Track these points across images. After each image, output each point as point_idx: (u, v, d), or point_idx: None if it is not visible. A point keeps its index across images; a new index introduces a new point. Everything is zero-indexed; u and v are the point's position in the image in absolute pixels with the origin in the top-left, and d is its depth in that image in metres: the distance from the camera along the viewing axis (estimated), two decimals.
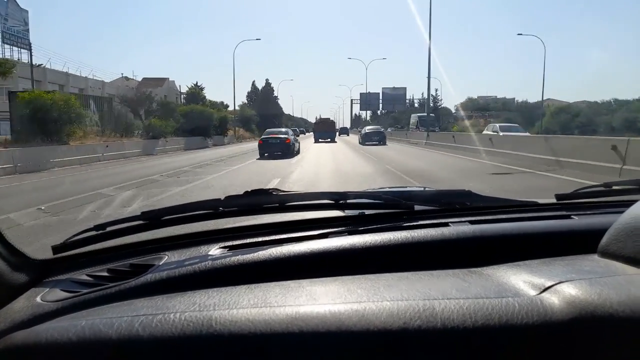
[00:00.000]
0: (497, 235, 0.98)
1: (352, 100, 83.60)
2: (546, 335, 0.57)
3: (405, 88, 77.65)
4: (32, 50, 30.02)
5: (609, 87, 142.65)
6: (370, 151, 22.49)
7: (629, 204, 0.79)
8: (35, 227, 5.61)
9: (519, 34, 44.07)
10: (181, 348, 0.59)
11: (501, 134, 20.90)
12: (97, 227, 1.01)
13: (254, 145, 33.90)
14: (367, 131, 33.86)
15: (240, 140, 45.79)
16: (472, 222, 1.07)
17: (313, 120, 77.90)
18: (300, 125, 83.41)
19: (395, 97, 75.68)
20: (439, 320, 0.58)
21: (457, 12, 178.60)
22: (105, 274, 0.95)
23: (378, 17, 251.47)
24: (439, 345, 0.57)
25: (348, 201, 1.11)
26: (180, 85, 55.87)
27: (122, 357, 0.61)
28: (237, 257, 0.92)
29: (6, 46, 29.67)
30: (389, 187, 1.94)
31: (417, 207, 1.16)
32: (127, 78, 48.44)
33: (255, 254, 0.92)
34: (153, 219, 1.04)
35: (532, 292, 0.63)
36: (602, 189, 1.29)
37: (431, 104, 69.15)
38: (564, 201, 1.26)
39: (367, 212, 1.16)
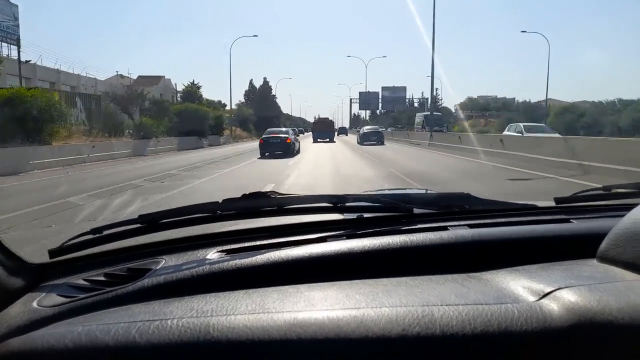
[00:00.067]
0: (496, 240, 0.97)
1: (351, 99, 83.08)
2: (546, 343, 0.57)
3: (405, 87, 77.14)
4: (23, 47, 28.98)
5: (610, 87, 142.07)
6: (371, 152, 21.60)
7: (628, 207, 0.79)
8: None
9: (522, 31, 43.00)
10: (178, 355, 0.59)
11: (526, 134, 18.80)
12: (94, 231, 1.00)
13: (250, 145, 34.02)
14: (365, 131, 34.00)
15: (237, 141, 44.92)
16: (470, 226, 1.06)
17: (312, 120, 77.41)
18: (299, 125, 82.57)
19: (395, 97, 75.06)
20: (438, 327, 0.58)
21: (455, 11, 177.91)
22: (102, 278, 0.94)
23: (378, 14, 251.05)
24: (438, 352, 0.57)
25: (346, 204, 1.11)
26: (176, 84, 55.01)
27: None
28: (235, 261, 0.91)
29: None
30: (389, 189, 2.02)
31: (416, 210, 1.15)
32: (122, 76, 47.24)
33: (253, 258, 0.91)
34: (150, 222, 1.02)
35: (532, 298, 0.63)
36: (601, 192, 1.27)
37: (430, 104, 69.00)
38: (563, 205, 1.25)
39: (365, 215, 1.15)
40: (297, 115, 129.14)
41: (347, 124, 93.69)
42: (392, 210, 1.14)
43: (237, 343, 0.58)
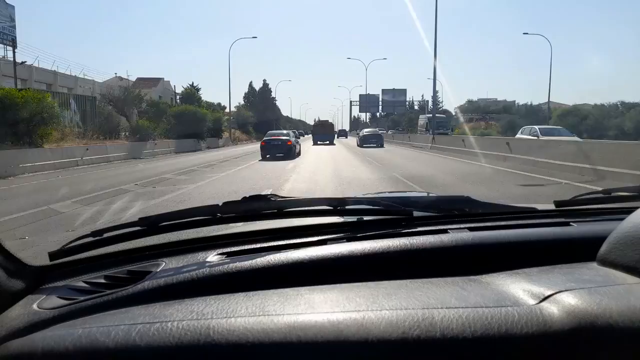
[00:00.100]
0: (496, 243, 0.97)
1: (351, 102, 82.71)
2: (546, 346, 0.57)
3: (405, 90, 76.77)
4: (21, 49, 28.66)
5: (611, 90, 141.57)
6: (373, 155, 21.08)
7: (629, 211, 0.79)
8: None
9: (525, 33, 42.32)
10: (178, 357, 0.59)
11: (542, 137, 17.56)
12: (94, 233, 1.00)
13: (249, 148, 33.69)
14: (365, 134, 34.38)
15: (236, 143, 44.46)
16: (471, 229, 1.06)
17: (311, 123, 76.84)
18: (298, 128, 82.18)
19: (395, 99, 74.66)
20: (438, 330, 0.58)
21: (454, 16, 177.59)
22: (103, 280, 0.94)
23: (379, 16, 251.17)
24: (438, 355, 0.57)
25: (346, 207, 1.11)
26: (175, 86, 54.53)
27: None
28: (235, 264, 0.90)
29: None
30: (389, 192, 1.99)
31: (416, 213, 1.15)
32: (120, 78, 46.86)
33: (253, 260, 0.91)
34: (150, 225, 1.02)
35: (532, 302, 0.63)
36: (601, 195, 1.28)
37: (431, 106, 68.72)
38: (564, 208, 1.25)
39: (365, 218, 1.14)
40: (297, 118, 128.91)
41: (347, 127, 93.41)
42: (392, 214, 1.13)
43: (237, 345, 0.58)
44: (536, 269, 0.77)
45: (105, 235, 1.00)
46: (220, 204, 1.04)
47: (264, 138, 21.13)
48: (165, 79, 55.08)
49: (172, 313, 0.67)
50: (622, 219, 0.77)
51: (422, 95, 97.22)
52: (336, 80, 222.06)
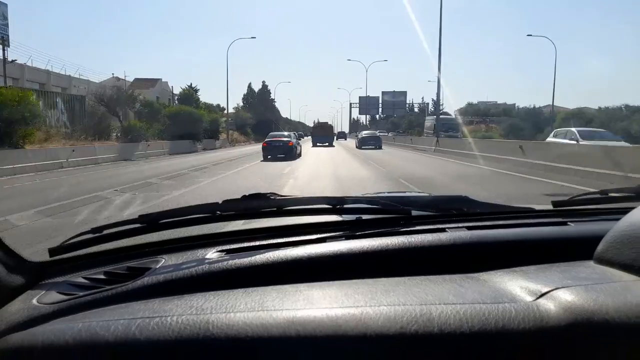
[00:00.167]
0: (493, 241, 0.97)
1: (351, 104, 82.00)
2: (542, 341, 0.57)
3: (405, 92, 76.03)
4: (15, 48, 27.81)
5: (613, 93, 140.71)
6: (372, 157, 20.22)
7: (625, 211, 0.80)
8: None
9: (528, 35, 41.89)
10: (178, 351, 0.59)
11: (581, 142, 14.79)
12: (94, 230, 1.00)
13: (247, 149, 32.86)
14: (364, 136, 34.96)
15: (234, 145, 43.47)
16: (469, 228, 1.06)
17: (311, 124, 76.01)
18: (298, 129, 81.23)
19: (395, 102, 73.97)
20: (436, 325, 0.58)
21: (453, 18, 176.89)
22: (102, 276, 0.94)
23: (379, 17, 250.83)
24: (436, 350, 0.58)
25: (345, 206, 1.11)
26: (172, 86, 53.72)
27: None
28: (234, 260, 0.91)
29: None
30: (388, 192, 1.90)
31: (414, 213, 1.16)
32: (118, 78, 46.00)
33: (253, 257, 0.91)
34: (150, 222, 1.02)
35: (529, 298, 0.63)
36: (598, 196, 1.29)
37: (432, 109, 67.83)
38: (561, 208, 1.26)
39: (364, 217, 1.15)
40: (296, 120, 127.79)
41: (346, 129, 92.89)
42: (391, 212, 1.14)
43: (236, 340, 0.59)
44: (534, 267, 0.78)
45: (105, 232, 0.99)
46: (220, 202, 1.05)
47: (266, 139, 21.46)
48: (163, 80, 54.35)
49: (172, 308, 0.67)
50: (618, 219, 0.76)
51: (422, 98, 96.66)
52: (336, 82, 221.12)
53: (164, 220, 1.02)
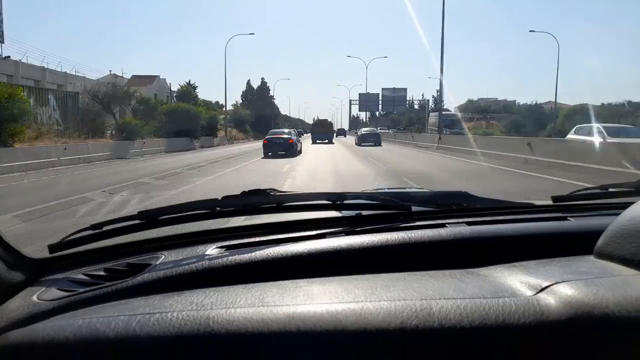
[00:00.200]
0: (493, 236, 0.97)
1: (350, 100, 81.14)
2: (543, 335, 0.57)
3: (405, 89, 75.18)
4: (10, 45, 27.28)
5: (613, 90, 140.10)
6: (372, 154, 19.75)
7: (625, 206, 0.80)
8: None
9: (531, 31, 41.23)
10: (178, 347, 0.60)
11: (608, 139, 12.98)
12: (93, 227, 1.00)
13: (246, 147, 32.39)
14: (363, 132, 35.14)
15: (232, 142, 42.94)
16: (468, 223, 1.06)
17: (310, 121, 75.70)
18: (297, 126, 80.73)
19: (395, 98, 73.24)
20: (436, 320, 0.59)
21: (453, 15, 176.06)
22: (102, 273, 0.94)
23: (379, 13, 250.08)
24: (436, 344, 0.58)
25: (345, 202, 1.11)
26: (170, 84, 53.10)
27: (119, 356, 0.61)
28: (234, 256, 0.91)
29: None
30: (387, 188, 1.95)
31: (414, 208, 1.15)
32: (115, 75, 45.38)
33: (252, 253, 0.91)
34: (150, 218, 1.02)
35: (529, 293, 0.63)
36: (598, 191, 1.29)
37: (432, 106, 67.27)
38: (561, 203, 1.26)
39: (364, 213, 1.15)
40: (296, 117, 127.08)
41: (346, 126, 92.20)
42: (391, 208, 1.14)
43: (236, 335, 0.59)
44: (534, 262, 0.78)
45: (105, 228, 1.00)
46: (220, 198, 1.05)
47: (267, 136, 21.51)
48: (161, 77, 53.68)
49: (172, 304, 0.67)
50: (618, 214, 0.76)
51: (423, 95, 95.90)
52: (336, 79, 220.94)
53: (164, 217, 1.01)
